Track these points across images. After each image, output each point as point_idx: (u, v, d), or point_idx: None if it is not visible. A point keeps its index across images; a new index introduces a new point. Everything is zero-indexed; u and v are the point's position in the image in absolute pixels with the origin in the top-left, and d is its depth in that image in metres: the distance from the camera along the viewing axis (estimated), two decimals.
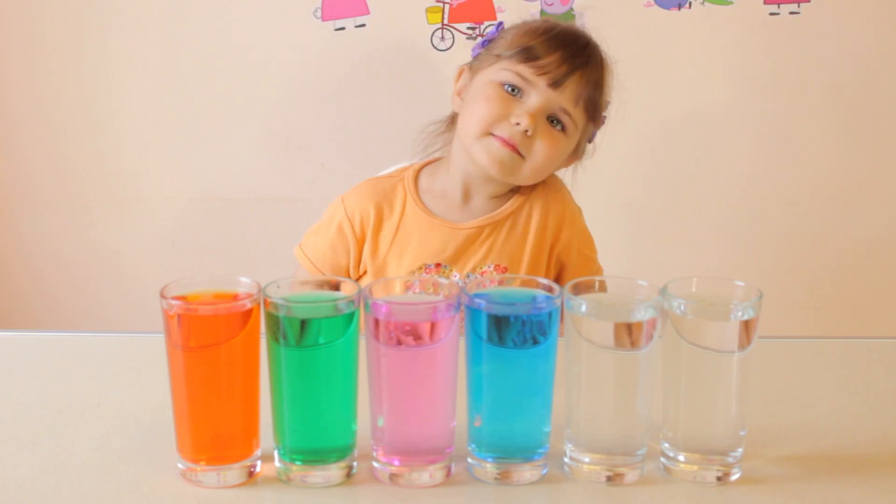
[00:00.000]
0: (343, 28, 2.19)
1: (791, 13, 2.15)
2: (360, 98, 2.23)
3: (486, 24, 2.19)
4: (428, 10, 2.19)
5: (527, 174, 1.33)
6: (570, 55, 1.30)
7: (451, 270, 1.35)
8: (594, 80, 1.33)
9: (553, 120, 1.31)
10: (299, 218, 2.22)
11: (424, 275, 1.34)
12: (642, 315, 0.84)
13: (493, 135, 1.30)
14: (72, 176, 2.31)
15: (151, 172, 2.30)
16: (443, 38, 2.20)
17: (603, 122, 1.40)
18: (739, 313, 0.85)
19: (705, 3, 2.15)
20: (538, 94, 1.29)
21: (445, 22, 2.20)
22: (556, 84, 1.29)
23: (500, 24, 1.41)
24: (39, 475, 0.88)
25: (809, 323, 2.31)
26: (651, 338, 0.85)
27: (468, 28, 2.20)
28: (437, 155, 1.45)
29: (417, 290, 0.91)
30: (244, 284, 0.88)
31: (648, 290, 0.87)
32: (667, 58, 2.19)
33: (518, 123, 1.28)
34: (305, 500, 0.85)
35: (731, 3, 2.15)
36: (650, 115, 2.25)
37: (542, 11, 2.18)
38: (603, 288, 0.89)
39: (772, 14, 2.15)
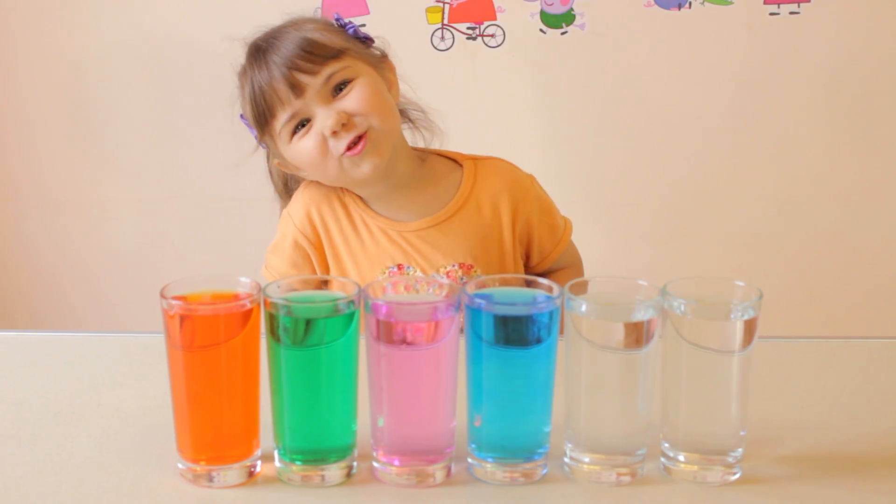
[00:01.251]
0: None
1: (791, 13, 2.15)
2: None
3: (487, 23, 2.19)
4: (428, 10, 2.19)
5: (383, 129, 1.28)
6: (264, 66, 1.28)
7: (415, 271, 1.34)
8: (300, 49, 1.27)
9: (337, 89, 1.27)
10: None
11: (391, 277, 1.32)
12: (642, 315, 0.84)
13: (341, 155, 1.27)
14: (71, 176, 2.31)
15: (151, 172, 2.30)
16: (443, 38, 2.20)
17: (352, 33, 1.35)
18: (739, 313, 0.85)
19: (705, 3, 2.15)
20: (306, 107, 1.27)
21: (445, 22, 2.20)
22: (296, 90, 1.26)
23: (242, 115, 1.38)
24: (39, 475, 0.88)
25: (809, 323, 2.31)
26: (651, 338, 0.85)
27: (468, 28, 2.20)
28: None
29: (427, 290, 0.91)
30: (244, 284, 0.88)
31: (648, 290, 0.87)
32: (667, 58, 2.19)
33: (333, 132, 1.25)
34: (305, 500, 0.85)
35: (731, 3, 2.15)
36: (650, 115, 2.25)
37: (542, 12, 2.18)
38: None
39: (772, 14, 2.16)
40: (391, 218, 1.36)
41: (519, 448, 0.87)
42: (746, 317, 0.85)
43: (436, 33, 2.19)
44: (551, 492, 0.87)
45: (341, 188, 1.37)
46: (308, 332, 0.85)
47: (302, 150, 1.28)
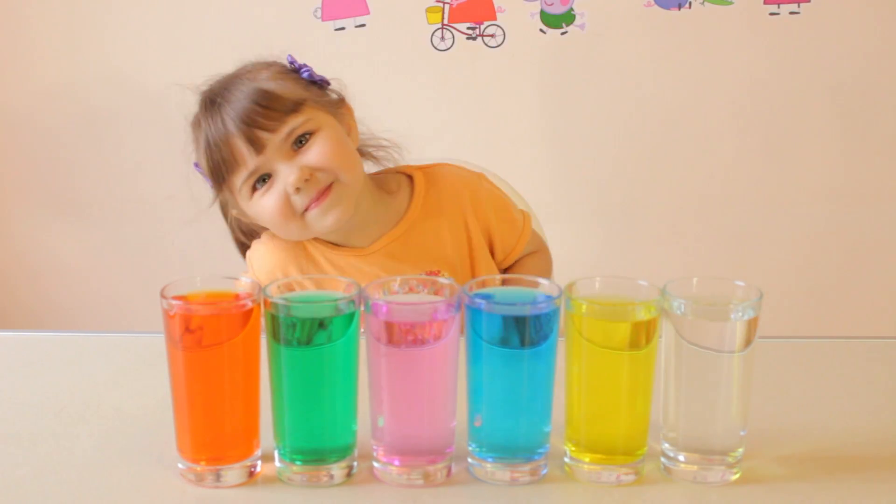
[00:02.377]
0: (343, 28, 2.19)
1: (791, 13, 2.15)
2: (360, 98, 2.22)
3: (487, 23, 2.19)
4: (428, 10, 2.19)
5: (348, 180, 1.25)
6: (219, 122, 1.24)
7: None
8: (256, 105, 1.23)
9: (297, 142, 1.24)
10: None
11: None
12: (643, 315, 0.84)
13: (304, 212, 1.24)
14: (70, 177, 2.31)
15: (151, 172, 2.30)
16: (443, 38, 2.20)
17: (308, 79, 1.32)
18: (739, 313, 0.85)
19: (705, 3, 2.15)
20: (266, 163, 1.23)
21: (445, 22, 2.20)
22: (257, 146, 1.22)
23: (196, 164, 1.33)
24: (39, 475, 0.88)
25: (809, 323, 2.31)
26: (651, 338, 0.85)
27: (468, 28, 2.20)
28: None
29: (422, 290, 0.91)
30: (244, 284, 0.88)
31: (648, 290, 0.87)
32: (667, 58, 2.20)
33: (297, 189, 1.22)
34: (305, 500, 0.85)
35: (731, 3, 2.15)
36: (650, 115, 2.25)
37: (542, 12, 2.18)
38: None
39: (772, 14, 2.16)
40: (353, 245, 1.34)
41: (519, 448, 0.87)
42: (746, 317, 0.85)
43: (436, 33, 2.19)
44: (551, 492, 0.87)
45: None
46: (308, 331, 0.85)
47: (265, 207, 1.25)
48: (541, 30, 2.19)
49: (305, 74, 1.32)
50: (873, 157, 2.25)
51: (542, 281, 0.89)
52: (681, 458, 0.88)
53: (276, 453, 0.89)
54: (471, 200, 1.37)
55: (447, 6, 2.18)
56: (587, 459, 0.88)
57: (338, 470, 0.88)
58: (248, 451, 0.89)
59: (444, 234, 1.35)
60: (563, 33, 2.18)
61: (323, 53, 2.19)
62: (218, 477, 0.87)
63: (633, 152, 2.27)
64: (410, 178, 1.39)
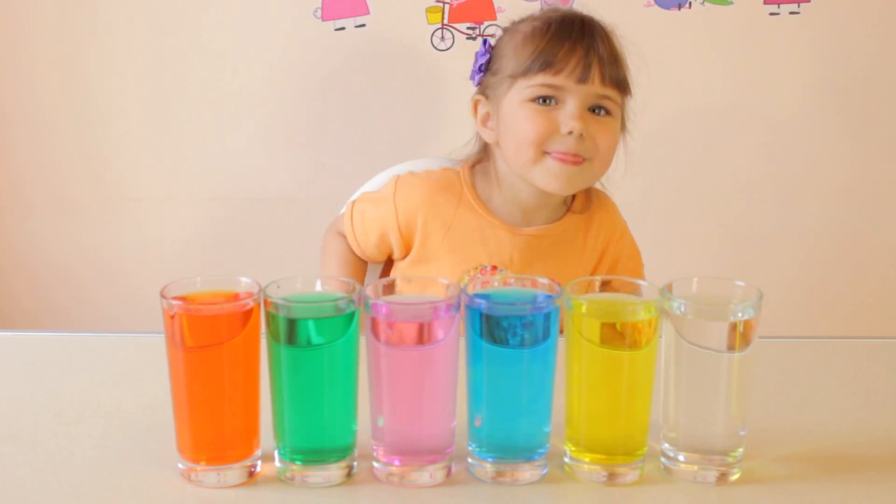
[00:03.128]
0: (343, 28, 2.19)
1: (791, 13, 2.15)
2: (360, 98, 2.23)
3: (487, 23, 2.19)
4: (428, 10, 2.19)
5: (597, 171, 1.31)
6: (580, 43, 1.27)
7: (507, 274, 1.33)
8: (611, 55, 1.29)
9: (595, 109, 1.28)
10: (299, 218, 2.23)
11: (479, 275, 1.32)
12: (643, 315, 0.84)
13: (547, 154, 1.26)
14: (69, 177, 2.31)
15: (150, 173, 2.30)
16: (443, 38, 2.20)
17: (630, 94, 1.37)
18: (739, 313, 0.85)
19: (705, 3, 2.15)
20: (572, 95, 1.26)
21: (445, 22, 2.20)
22: (584, 77, 1.25)
23: (486, 41, 1.36)
24: (39, 475, 0.88)
25: (809, 323, 2.31)
26: (651, 338, 0.85)
27: (468, 28, 2.20)
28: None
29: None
30: (244, 284, 0.88)
31: (648, 290, 0.87)
32: (667, 58, 2.19)
33: (570, 132, 1.25)
34: (305, 500, 0.85)
35: (731, 3, 2.15)
36: (650, 115, 2.24)
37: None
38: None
39: (772, 14, 2.16)
40: (503, 218, 1.35)
41: (519, 448, 0.87)
42: (746, 317, 0.85)
43: (436, 33, 2.19)
44: (551, 492, 0.87)
45: (463, 187, 1.36)
46: (308, 331, 0.85)
47: (526, 120, 1.26)
48: None
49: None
50: (874, 157, 2.25)
51: (542, 280, 0.89)
52: (681, 458, 0.88)
53: (276, 453, 0.89)
54: (614, 240, 1.40)
55: (447, 6, 2.18)
56: (587, 459, 0.88)
57: (338, 470, 0.88)
58: (248, 451, 0.89)
59: (582, 258, 1.37)
60: None
61: (323, 53, 2.19)
62: (218, 477, 0.87)
63: (632, 152, 2.27)
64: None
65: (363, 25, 2.19)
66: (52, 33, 2.21)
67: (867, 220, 2.28)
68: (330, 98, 2.22)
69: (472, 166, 1.39)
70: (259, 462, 0.89)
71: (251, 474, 0.89)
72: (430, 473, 0.87)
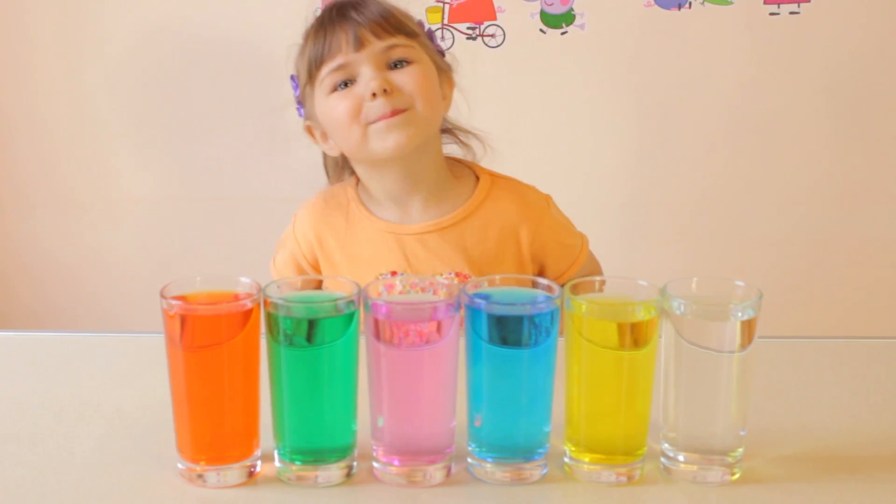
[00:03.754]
0: None
1: (791, 13, 2.15)
2: None
3: (487, 23, 2.19)
4: (428, 10, 2.19)
5: (424, 113, 1.26)
6: (338, 19, 1.27)
7: (408, 276, 1.32)
8: (379, 14, 1.28)
9: (395, 64, 1.27)
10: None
11: (381, 283, 1.31)
12: (643, 315, 0.84)
13: (370, 125, 1.25)
14: (69, 177, 2.31)
15: (150, 172, 2.30)
16: (443, 38, 2.20)
17: (428, 31, 1.35)
18: (739, 313, 0.85)
19: (705, 3, 2.15)
20: (359, 64, 1.25)
21: (445, 22, 2.20)
22: (357, 44, 1.25)
23: (292, 77, 1.38)
24: (39, 475, 0.88)
25: (809, 323, 2.31)
26: (651, 338, 0.85)
27: (468, 28, 2.20)
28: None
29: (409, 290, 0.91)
30: (244, 284, 0.88)
31: (648, 290, 0.87)
32: (667, 58, 2.19)
33: (374, 93, 1.24)
34: (305, 500, 0.85)
35: (731, 3, 2.15)
36: (650, 115, 2.25)
37: (542, 12, 2.18)
38: (601, 287, 0.89)
39: (772, 14, 2.16)
40: (392, 221, 1.34)
41: (519, 448, 0.87)
42: (746, 317, 0.85)
43: (436, 33, 2.19)
44: (551, 492, 0.87)
45: (349, 200, 1.37)
46: (308, 332, 0.85)
47: (335, 108, 1.27)
48: (541, 30, 2.19)
49: (427, 29, 1.35)
50: (874, 156, 2.25)
51: (542, 280, 0.89)
52: (681, 458, 0.88)
53: (275, 453, 0.89)
54: (531, 221, 1.35)
55: (447, 6, 2.18)
56: (587, 459, 0.88)
57: (338, 470, 0.88)
58: (248, 451, 0.89)
59: (490, 242, 1.34)
60: (563, 33, 2.18)
61: None
62: (218, 477, 0.87)
63: (633, 152, 2.27)
64: (477, 178, 1.38)
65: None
66: (52, 33, 2.21)
67: (867, 219, 2.28)
68: None
69: (358, 180, 1.40)
70: (259, 462, 0.89)
71: (251, 474, 0.89)
72: (430, 473, 0.87)
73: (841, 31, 2.16)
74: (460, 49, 2.19)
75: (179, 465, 0.89)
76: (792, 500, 0.85)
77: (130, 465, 0.90)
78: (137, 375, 1.10)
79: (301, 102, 1.37)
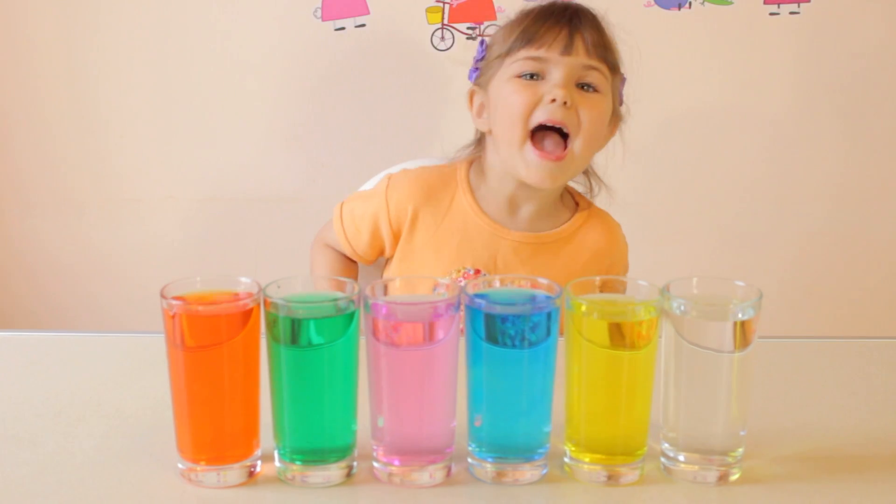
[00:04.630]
0: (343, 28, 2.19)
1: (791, 13, 2.15)
2: (360, 98, 2.23)
3: (487, 23, 2.19)
4: (428, 10, 2.19)
5: (577, 161, 1.29)
6: (563, 17, 1.28)
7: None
8: (595, 27, 1.29)
9: (583, 86, 1.28)
10: (299, 218, 2.23)
11: (462, 279, 1.31)
12: (643, 315, 0.84)
13: (531, 138, 1.26)
14: (69, 177, 2.31)
15: (150, 172, 2.30)
16: (443, 38, 2.20)
17: (624, 78, 1.36)
18: (739, 313, 0.85)
19: (705, 3, 2.15)
20: (557, 66, 1.26)
21: (445, 22, 2.20)
22: (567, 49, 1.25)
23: (483, 41, 1.37)
24: (39, 475, 0.88)
25: (809, 323, 2.31)
26: (651, 338, 0.85)
27: (468, 28, 2.20)
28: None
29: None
30: (244, 284, 0.88)
31: (648, 290, 0.87)
32: (667, 58, 2.19)
33: (553, 99, 1.24)
34: (305, 500, 0.85)
35: (731, 3, 2.15)
36: (650, 115, 2.25)
37: None
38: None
39: (772, 14, 2.16)
40: (496, 220, 1.35)
41: (519, 448, 0.87)
42: (746, 317, 0.85)
43: (436, 33, 2.19)
44: (551, 492, 0.87)
45: (458, 184, 1.36)
46: (308, 331, 0.85)
47: (512, 94, 1.27)
48: None
49: (623, 77, 1.36)
50: (874, 157, 2.25)
51: (542, 280, 0.89)
52: (681, 458, 0.88)
53: (276, 453, 0.89)
54: (614, 259, 1.39)
55: (447, 6, 2.18)
56: (587, 459, 0.88)
57: (338, 470, 0.88)
58: (248, 451, 0.89)
59: (577, 265, 1.36)
60: None
61: (323, 53, 2.19)
62: (218, 477, 0.87)
63: (632, 152, 2.27)
64: (576, 204, 1.41)
65: (363, 25, 2.19)
66: (53, 33, 2.21)
67: (867, 219, 2.28)
68: (330, 98, 2.22)
69: (471, 163, 1.39)
70: (259, 462, 0.89)
71: (251, 474, 0.89)
72: (430, 473, 0.87)
73: (841, 31, 2.16)
74: (460, 49, 2.19)
75: (179, 465, 0.89)
76: (792, 500, 0.85)
77: (130, 465, 0.90)
78: (137, 375, 1.10)
79: (478, 67, 1.36)
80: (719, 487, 0.87)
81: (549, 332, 0.85)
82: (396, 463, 0.87)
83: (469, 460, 0.89)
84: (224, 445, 0.87)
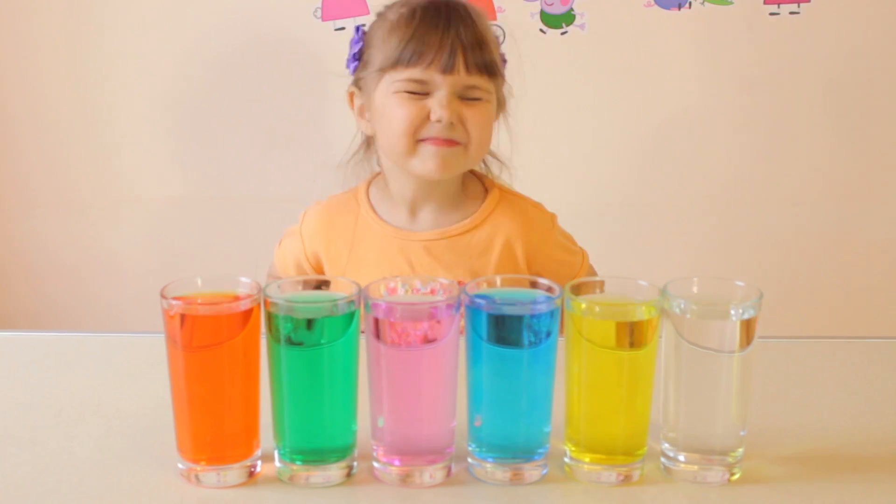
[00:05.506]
0: (343, 28, 2.19)
1: (791, 13, 2.15)
2: None
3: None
4: None
5: (473, 155, 1.30)
6: (444, 33, 1.27)
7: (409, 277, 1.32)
8: (476, 40, 1.28)
9: (463, 94, 1.28)
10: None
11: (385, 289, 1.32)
12: (643, 315, 0.84)
13: (421, 142, 1.27)
14: (70, 177, 2.31)
15: (151, 172, 2.30)
16: None
17: (504, 60, 1.36)
18: (739, 313, 0.85)
19: (705, 3, 2.15)
20: (439, 86, 1.26)
21: None
22: (447, 69, 1.25)
23: (358, 28, 1.36)
24: (39, 475, 0.88)
25: (809, 323, 2.31)
26: (651, 338, 0.85)
27: None
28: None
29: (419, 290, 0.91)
30: (244, 284, 0.88)
31: (648, 290, 0.87)
32: (667, 58, 2.19)
33: (439, 120, 1.25)
34: (305, 500, 0.85)
35: (731, 3, 2.15)
36: (650, 115, 2.25)
37: (542, 12, 2.18)
38: (601, 288, 0.89)
39: (772, 14, 2.16)
40: (401, 227, 1.35)
41: (519, 448, 0.87)
42: (746, 317, 0.85)
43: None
44: (551, 492, 0.87)
45: (359, 204, 1.37)
46: (308, 331, 0.85)
47: (396, 109, 1.27)
48: (541, 30, 2.19)
49: (504, 60, 1.36)
50: (873, 156, 2.25)
51: (542, 280, 0.89)
52: (681, 458, 0.88)
53: (276, 453, 0.89)
54: (534, 240, 1.36)
55: None
56: (587, 459, 0.88)
57: (338, 470, 0.88)
58: (248, 451, 0.89)
59: (493, 254, 1.35)
60: (563, 33, 2.18)
61: (323, 53, 2.19)
62: (218, 477, 0.87)
63: (633, 152, 2.27)
64: (486, 191, 1.39)
65: (363, 25, 2.19)
66: (56, 33, 2.21)
67: (867, 219, 2.28)
68: (330, 98, 2.22)
69: (370, 181, 1.41)
70: (259, 462, 0.89)
71: (251, 474, 0.89)
72: (430, 473, 0.87)
73: (841, 31, 2.16)
74: None
75: (179, 465, 0.89)
76: (792, 500, 0.85)
77: (130, 465, 0.90)
78: (137, 375, 1.10)
79: (358, 57, 1.35)
80: (719, 487, 0.87)
81: (549, 332, 0.85)
82: (396, 463, 0.87)
83: (469, 460, 0.89)
84: (224, 445, 0.88)
